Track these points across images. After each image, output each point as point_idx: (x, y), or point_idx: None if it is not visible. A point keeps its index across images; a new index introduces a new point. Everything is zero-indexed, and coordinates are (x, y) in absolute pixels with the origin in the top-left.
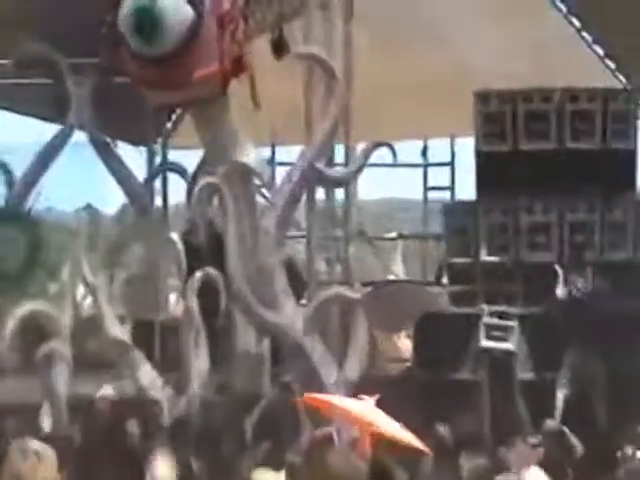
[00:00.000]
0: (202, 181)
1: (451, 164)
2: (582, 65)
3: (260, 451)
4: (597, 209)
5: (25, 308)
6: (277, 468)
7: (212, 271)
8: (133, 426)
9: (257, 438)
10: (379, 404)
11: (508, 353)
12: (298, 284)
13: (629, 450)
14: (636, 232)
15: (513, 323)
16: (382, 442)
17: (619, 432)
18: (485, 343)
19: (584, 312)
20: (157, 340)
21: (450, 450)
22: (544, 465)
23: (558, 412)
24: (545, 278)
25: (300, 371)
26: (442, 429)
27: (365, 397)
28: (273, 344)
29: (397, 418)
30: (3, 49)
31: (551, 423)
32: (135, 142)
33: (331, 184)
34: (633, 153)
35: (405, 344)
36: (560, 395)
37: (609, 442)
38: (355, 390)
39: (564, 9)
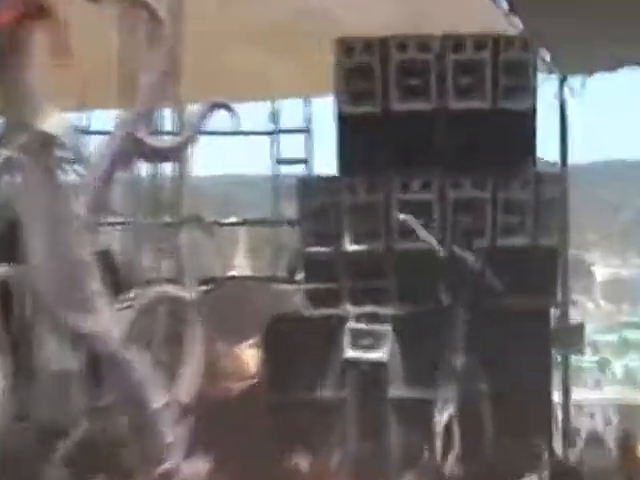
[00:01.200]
0: None
1: (307, 131)
2: (468, 7)
3: None
4: (488, 185)
5: None
6: None
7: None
8: None
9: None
10: (218, 431)
11: (379, 365)
12: (117, 282)
13: None
14: (536, 212)
15: (386, 328)
16: None
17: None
18: (351, 353)
19: (472, 313)
20: None
21: None
22: None
23: (438, 438)
24: (424, 270)
25: (120, 392)
26: (300, 459)
27: None
28: (87, 358)
29: (242, 447)
30: None
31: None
32: None
33: (157, 157)
34: (532, 114)
35: (251, 356)
36: (438, 417)
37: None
38: (188, 414)
39: None
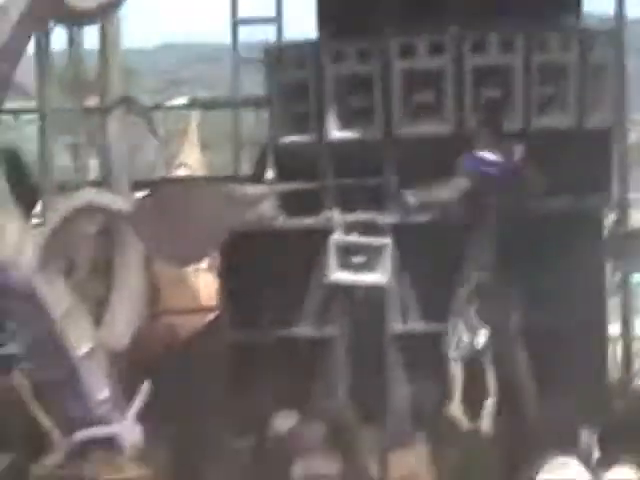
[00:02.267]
0: None
1: None
2: None
3: None
4: (518, 46)
5: None
6: None
7: None
8: None
9: None
10: (170, 381)
11: (377, 289)
12: (26, 190)
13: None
14: (583, 81)
15: (384, 240)
16: None
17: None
18: (339, 275)
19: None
20: None
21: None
22: None
23: (455, 383)
24: (434, 162)
25: (32, 338)
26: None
27: None
28: None
29: (200, 400)
30: None
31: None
32: None
33: (77, 20)
34: None
35: (207, 283)
36: (455, 358)
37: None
38: (125, 365)
39: None
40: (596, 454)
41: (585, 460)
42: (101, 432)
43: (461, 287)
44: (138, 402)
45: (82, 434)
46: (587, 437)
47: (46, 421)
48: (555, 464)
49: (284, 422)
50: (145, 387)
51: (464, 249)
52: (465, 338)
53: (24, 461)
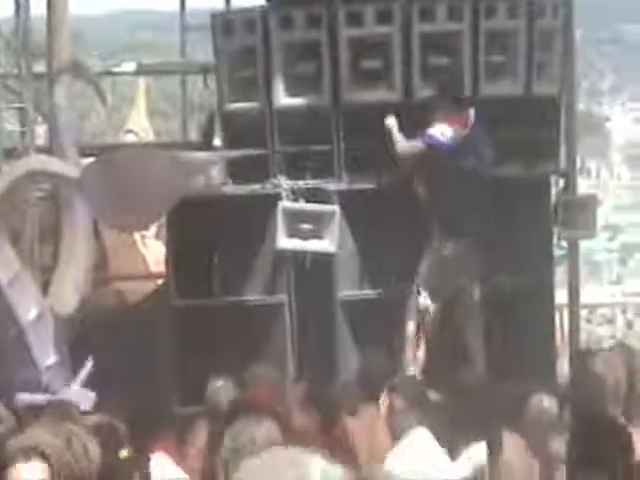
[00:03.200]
0: None
1: None
2: None
3: None
4: (466, 13)
5: None
6: None
7: None
8: None
9: None
10: (107, 351)
11: (325, 256)
12: None
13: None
14: (530, 48)
15: (332, 207)
16: None
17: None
18: (286, 243)
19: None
20: None
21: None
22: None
23: (409, 344)
24: (381, 129)
25: None
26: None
27: None
28: None
29: (142, 372)
30: None
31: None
32: None
33: None
34: None
35: (154, 249)
36: (410, 320)
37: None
38: (70, 328)
39: None
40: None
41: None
42: (48, 399)
43: (426, 253)
44: (84, 370)
45: (26, 398)
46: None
47: None
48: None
49: (220, 390)
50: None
51: (426, 216)
52: (421, 300)
53: None
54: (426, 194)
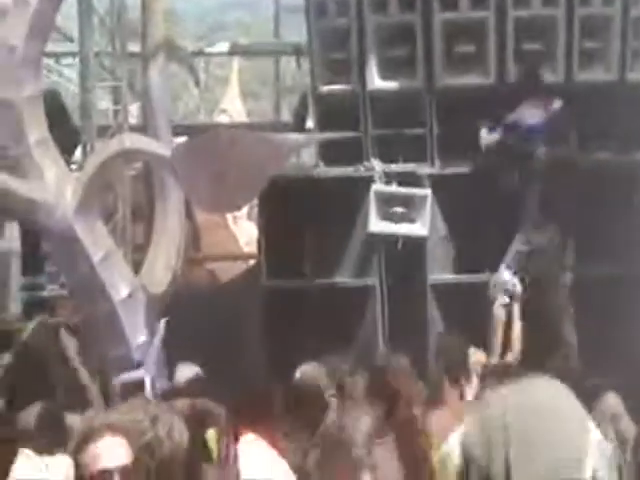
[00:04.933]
0: None
1: None
2: None
3: None
4: None
5: None
6: None
7: None
8: None
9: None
10: (199, 329)
11: (416, 240)
12: (66, 133)
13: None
14: (624, 34)
15: (424, 191)
16: None
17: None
18: (378, 226)
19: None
20: None
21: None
22: None
23: (498, 334)
24: (474, 113)
25: (74, 279)
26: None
27: None
28: (26, 237)
29: (237, 350)
30: None
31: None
32: None
33: None
34: None
35: (246, 230)
36: (499, 307)
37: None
38: (163, 308)
39: None
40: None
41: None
42: (140, 375)
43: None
44: (157, 340)
45: (123, 377)
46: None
47: (86, 376)
48: None
49: (307, 372)
50: (162, 324)
51: (515, 204)
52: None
53: (57, 408)
54: (512, 182)
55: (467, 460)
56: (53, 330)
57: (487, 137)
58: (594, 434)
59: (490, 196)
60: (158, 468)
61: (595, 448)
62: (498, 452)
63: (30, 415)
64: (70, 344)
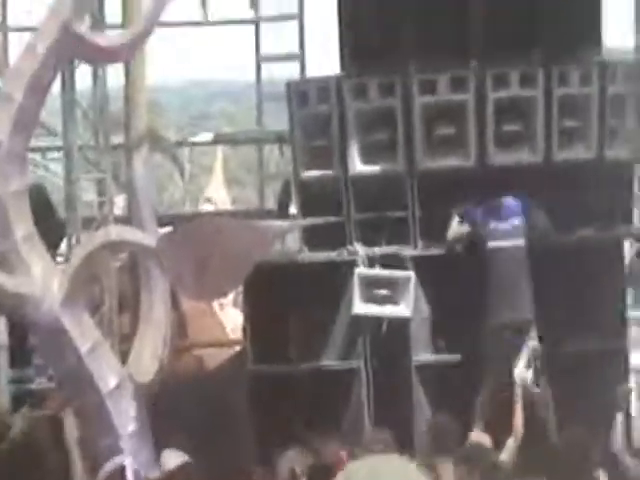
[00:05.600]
0: None
1: (299, 17)
2: None
3: None
4: (539, 79)
5: None
6: None
7: None
8: None
9: None
10: (186, 416)
11: (400, 321)
12: (51, 226)
13: None
14: (602, 113)
15: (407, 273)
16: None
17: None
18: (363, 308)
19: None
20: None
21: None
22: None
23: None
24: (456, 195)
25: (62, 371)
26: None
27: None
28: (14, 330)
29: (223, 437)
30: None
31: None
32: None
33: (101, 57)
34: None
35: (232, 317)
36: (486, 386)
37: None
38: (150, 397)
39: None
40: None
41: None
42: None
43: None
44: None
45: (110, 465)
46: None
47: (77, 461)
48: None
49: (290, 460)
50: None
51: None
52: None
53: None
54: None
55: None
56: (48, 422)
57: (455, 229)
58: None
59: (464, 278)
60: None
61: None
62: None
63: None
64: (72, 436)
